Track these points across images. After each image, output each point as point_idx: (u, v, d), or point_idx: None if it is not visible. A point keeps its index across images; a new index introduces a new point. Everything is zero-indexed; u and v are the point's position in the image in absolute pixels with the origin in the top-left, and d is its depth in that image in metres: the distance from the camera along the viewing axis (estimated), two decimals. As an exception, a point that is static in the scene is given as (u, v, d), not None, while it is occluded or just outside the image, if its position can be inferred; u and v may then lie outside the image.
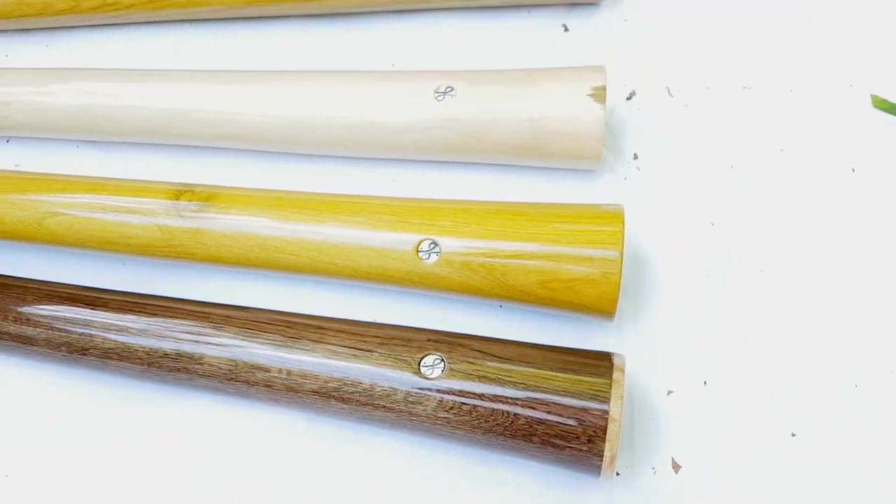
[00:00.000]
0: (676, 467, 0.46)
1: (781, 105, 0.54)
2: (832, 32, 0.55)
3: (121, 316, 0.47)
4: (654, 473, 0.46)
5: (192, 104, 0.53)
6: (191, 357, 0.46)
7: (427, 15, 0.58)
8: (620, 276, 0.44)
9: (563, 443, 0.41)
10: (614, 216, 0.45)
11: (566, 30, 0.57)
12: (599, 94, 0.48)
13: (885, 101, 0.52)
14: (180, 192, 0.50)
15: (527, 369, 0.43)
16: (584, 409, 0.41)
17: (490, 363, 0.43)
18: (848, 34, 0.55)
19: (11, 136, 0.59)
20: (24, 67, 0.58)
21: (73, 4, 0.57)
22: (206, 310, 0.47)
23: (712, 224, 0.51)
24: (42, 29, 0.62)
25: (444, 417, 0.43)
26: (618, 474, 0.46)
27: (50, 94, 0.55)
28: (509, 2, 0.56)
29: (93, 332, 0.47)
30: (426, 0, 0.57)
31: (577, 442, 0.41)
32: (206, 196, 0.49)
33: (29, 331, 0.48)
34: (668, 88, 0.55)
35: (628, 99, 0.55)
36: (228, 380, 0.46)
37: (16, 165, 0.58)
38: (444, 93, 0.50)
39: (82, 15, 0.58)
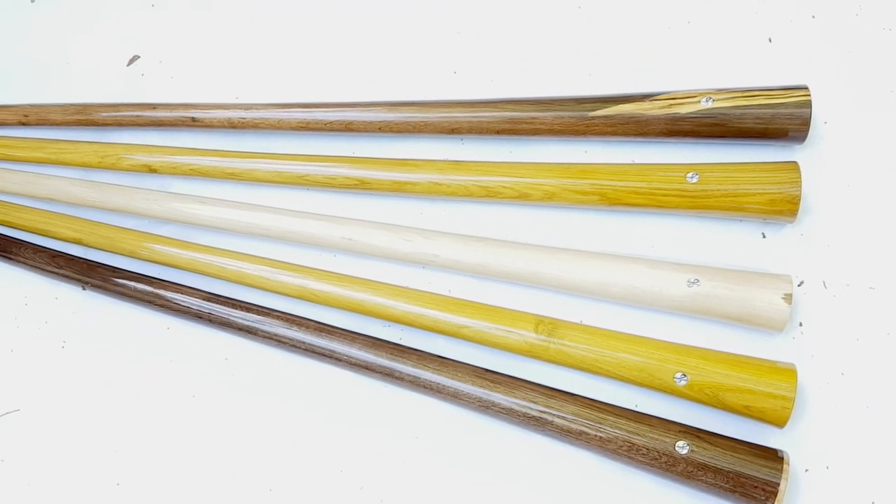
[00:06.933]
0: (807, 513, 0.82)
1: (889, 301, 0.86)
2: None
3: (500, 386, 0.85)
4: (794, 515, 0.83)
5: (541, 267, 0.89)
6: (543, 420, 0.83)
7: (672, 215, 0.91)
8: (793, 408, 0.80)
9: (754, 498, 0.77)
10: (791, 372, 0.80)
11: (763, 236, 0.91)
12: (788, 298, 0.82)
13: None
14: (538, 323, 0.87)
15: (738, 454, 0.78)
16: (767, 482, 0.76)
17: (716, 449, 0.79)
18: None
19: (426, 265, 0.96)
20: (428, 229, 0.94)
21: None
22: (549, 391, 0.85)
23: (842, 374, 0.85)
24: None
25: (685, 474, 0.79)
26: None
27: (452, 252, 0.91)
28: (728, 215, 0.90)
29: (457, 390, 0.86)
30: (670, 208, 0.89)
31: (761, 499, 0.77)
32: (552, 326, 0.86)
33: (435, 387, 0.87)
34: (823, 282, 0.88)
35: (799, 286, 0.89)
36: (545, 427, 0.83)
37: (428, 283, 0.96)
38: (693, 282, 0.85)
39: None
